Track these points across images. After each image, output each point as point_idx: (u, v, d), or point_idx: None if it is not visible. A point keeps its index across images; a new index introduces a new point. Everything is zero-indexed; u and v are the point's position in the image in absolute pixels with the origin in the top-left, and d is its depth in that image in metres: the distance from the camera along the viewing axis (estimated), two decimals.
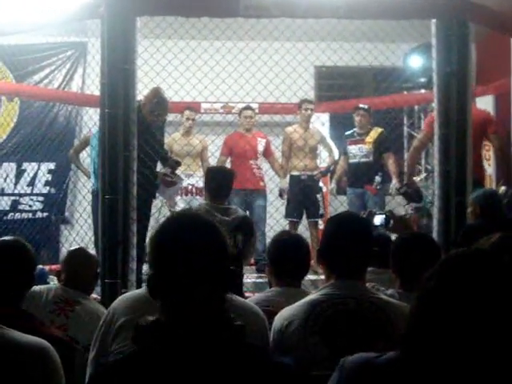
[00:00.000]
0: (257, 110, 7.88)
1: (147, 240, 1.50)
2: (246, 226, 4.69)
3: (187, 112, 7.45)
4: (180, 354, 1.50)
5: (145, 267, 5.75)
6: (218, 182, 4.77)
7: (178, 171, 6.10)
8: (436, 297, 1.33)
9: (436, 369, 1.31)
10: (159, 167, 5.98)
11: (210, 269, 1.54)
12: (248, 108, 7.49)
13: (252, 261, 7.17)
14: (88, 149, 7.17)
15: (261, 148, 7.50)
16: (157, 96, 5.59)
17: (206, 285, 1.54)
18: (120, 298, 2.59)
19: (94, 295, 3.88)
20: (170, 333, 1.52)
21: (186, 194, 7.31)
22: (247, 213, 6.85)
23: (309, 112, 7.33)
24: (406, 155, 8.78)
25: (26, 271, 2.44)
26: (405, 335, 1.38)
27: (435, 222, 4.95)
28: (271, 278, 3.23)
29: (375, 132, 7.33)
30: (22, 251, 2.46)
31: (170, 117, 7.67)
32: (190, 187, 7.35)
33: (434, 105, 4.99)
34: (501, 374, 1.28)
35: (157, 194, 6.00)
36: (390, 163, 7.30)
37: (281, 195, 7.46)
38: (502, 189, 5.63)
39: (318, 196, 7.41)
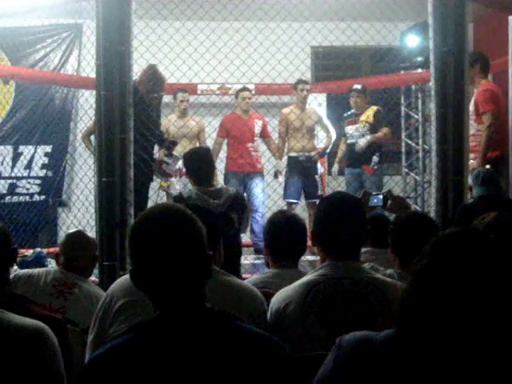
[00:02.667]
0: (253, 91, 7.86)
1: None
2: (238, 204, 4.65)
3: (180, 94, 7.41)
4: (171, 342, 1.53)
5: None
6: (200, 164, 4.66)
7: (176, 152, 6.07)
8: (427, 276, 1.36)
9: (430, 347, 1.32)
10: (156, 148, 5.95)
11: (189, 256, 1.59)
12: (245, 89, 7.45)
13: (250, 242, 7.19)
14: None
15: (258, 130, 7.47)
16: (154, 74, 5.52)
17: (186, 276, 1.59)
18: (118, 280, 2.59)
19: (92, 278, 3.88)
20: (159, 322, 1.58)
21: (181, 176, 7.29)
22: (245, 195, 6.85)
23: (305, 92, 7.30)
24: (403, 135, 8.78)
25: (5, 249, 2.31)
26: (399, 313, 1.41)
27: (433, 202, 4.96)
28: (268, 259, 3.24)
29: (371, 110, 7.32)
30: None
31: (166, 98, 7.66)
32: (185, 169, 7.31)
33: (431, 84, 4.98)
34: (493, 351, 1.30)
35: (154, 177, 5.98)
36: (380, 134, 7.25)
37: (276, 176, 7.45)
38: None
39: (316, 177, 7.40)
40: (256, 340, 1.58)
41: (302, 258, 3.33)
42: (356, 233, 2.44)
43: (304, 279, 2.39)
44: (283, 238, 3.11)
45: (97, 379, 1.54)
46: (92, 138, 6.82)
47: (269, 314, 2.38)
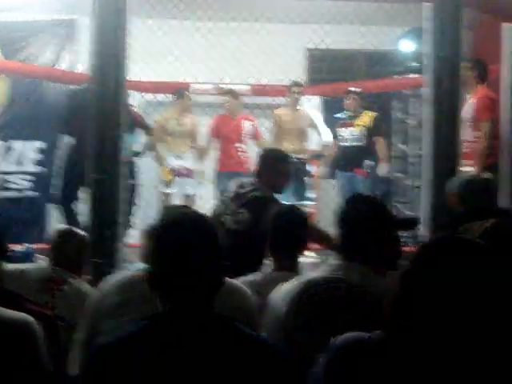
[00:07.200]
0: (248, 92, 7.87)
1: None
2: None
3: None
4: (177, 340, 1.57)
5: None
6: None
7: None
8: (410, 280, 1.39)
9: (417, 350, 1.35)
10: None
11: (207, 267, 1.63)
12: (228, 92, 7.48)
13: None
14: None
15: (246, 131, 7.45)
16: None
17: (202, 281, 1.62)
18: (107, 278, 2.58)
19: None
20: (167, 320, 1.61)
21: (179, 176, 7.28)
22: None
23: (296, 95, 7.29)
24: (394, 139, 8.78)
25: None
26: (388, 315, 1.44)
27: (423, 207, 4.96)
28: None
29: (366, 115, 7.31)
30: None
31: (160, 97, 7.65)
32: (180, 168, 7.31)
33: (425, 89, 4.99)
34: (477, 355, 1.32)
35: None
36: (379, 147, 7.29)
37: None
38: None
39: (305, 179, 7.40)
40: (260, 345, 1.63)
41: (304, 259, 3.25)
42: (371, 237, 2.37)
43: (304, 278, 2.35)
44: (283, 228, 3.04)
45: (102, 366, 1.57)
46: None
47: (268, 310, 2.36)
